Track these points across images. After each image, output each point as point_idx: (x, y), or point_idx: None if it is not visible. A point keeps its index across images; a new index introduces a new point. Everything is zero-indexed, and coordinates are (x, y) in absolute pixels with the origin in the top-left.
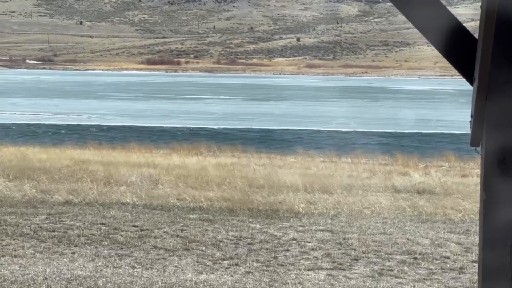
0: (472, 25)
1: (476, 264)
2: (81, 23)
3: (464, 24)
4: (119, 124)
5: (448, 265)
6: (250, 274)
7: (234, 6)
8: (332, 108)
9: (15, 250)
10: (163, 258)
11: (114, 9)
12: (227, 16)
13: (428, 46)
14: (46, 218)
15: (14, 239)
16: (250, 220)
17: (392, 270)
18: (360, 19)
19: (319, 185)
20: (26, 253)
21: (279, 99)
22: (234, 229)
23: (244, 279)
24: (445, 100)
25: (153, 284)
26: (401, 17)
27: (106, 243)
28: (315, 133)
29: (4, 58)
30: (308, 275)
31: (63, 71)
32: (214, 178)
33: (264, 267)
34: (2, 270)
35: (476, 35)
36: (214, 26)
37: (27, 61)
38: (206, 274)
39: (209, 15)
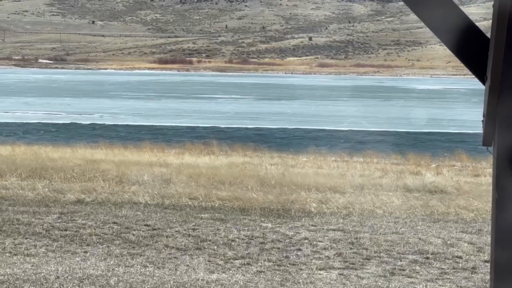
0: (485, 25)
1: (488, 264)
2: (93, 22)
3: (476, 24)
4: (131, 123)
5: (460, 264)
6: (262, 273)
7: (246, 6)
8: (344, 108)
9: (28, 249)
10: (175, 257)
11: (126, 9)
12: (239, 16)
13: (440, 45)
14: (59, 217)
15: (26, 238)
16: (262, 219)
17: (404, 270)
18: (372, 18)
19: (331, 184)
20: (39, 252)
21: (291, 98)
22: (246, 228)
23: (255, 278)
24: (457, 99)
25: (165, 283)
26: (413, 17)
27: (118, 242)
28: (327, 133)
29: (16, 58)
30: (320, 274)
31: (75, 70)
32: (226, 177)
33: (276, 267)
34: (15, 269)
35: (489, 35)
36: (226, 26)
37: (40, 60)
38: (218, 273)
39: (221, 14)
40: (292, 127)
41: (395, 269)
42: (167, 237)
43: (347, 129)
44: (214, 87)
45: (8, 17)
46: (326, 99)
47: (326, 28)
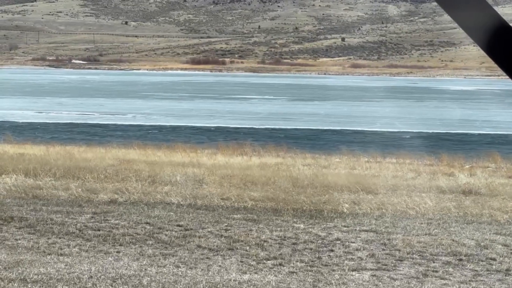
0: None
1: None
2: (126, 23)
3: (511, 24)
4: (164, 123)
5: (494, 266)
6: (294, 274)
7: (279, 6)
8: (377, 108)
9: (61, 249)
10: (207, 258)
11: (159, 9)
12: (272, 16)
13: (474, 46)
14: (92, 217)
15: (60, 238)
16: (294, 220)
17: (437, 271)
18: (405, 19)
19: (363, 185)
20: (72, 251)
21: (324, 99)
22: (278, 229)
23: (288, 279)
24: (491, 100)
25: (197, 284)
26: (446, 17)
27: (150, 242)
28: (360, 133)
29: (50, 58)
30: (352, 275)
31: (108, 71)
32: (259, 178)
33: (308, 267)
34: (49, 268)
35: None
36: (259, 26)
37: (73, 61)
38: (250, 274)
39: (254, 15)
40: (325, 128)
41: (428, 270)
42: (199, 237)
43: (380, 130)
44: (247, 88)
45: (42, 18)
46: (359, 100)
47: (359, 28)
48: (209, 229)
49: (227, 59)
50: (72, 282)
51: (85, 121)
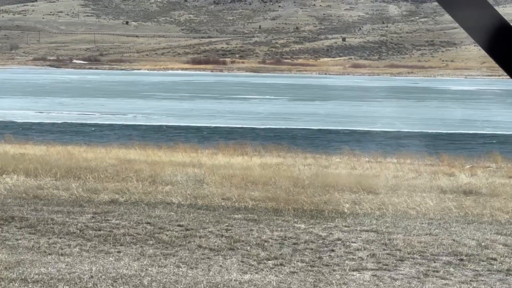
0: None
1: None
2: (127, 23)
3: None
4: (165, 123)
5: (494, 266)
6: (295, 274)
7: (279, 6)
8: (377, 108)
9: (62, 249)
10: (208, 258)
11: (160, 9)
12: (272, 16)
13: (474, 46)
14: (92, 217)
15: (60, 238)
16: (295, 220)
17: (437, 271)
18: (406, 18)
19: (364, 185)
20: (73, 251)
21: (325, 99)
22: (279, 229)
23: (288, 279)
24: (492, 100)
25: (198, 284)
26: (447, 17)
27: (151, 242)
28: (361, 133)
29: (51, 58)
30: (353, 275)
31: (109, 71)
32: (259, 178)
33: (309, 267)
34: (49, 268)
35: None
36: (260, 26)
37: (74, 61)
38: (251, 274)
39: (254, 15)
40: (326, 128)
41: (428, 270)
42: (200, 237)
43: (380, 130)
44: (247, 88)
45: (43, 18)
46: (360, 100)
47: (360, 28)
48: (210, 229)
49: (227, 59)
50: (73, 282)
51: (86, 121)
